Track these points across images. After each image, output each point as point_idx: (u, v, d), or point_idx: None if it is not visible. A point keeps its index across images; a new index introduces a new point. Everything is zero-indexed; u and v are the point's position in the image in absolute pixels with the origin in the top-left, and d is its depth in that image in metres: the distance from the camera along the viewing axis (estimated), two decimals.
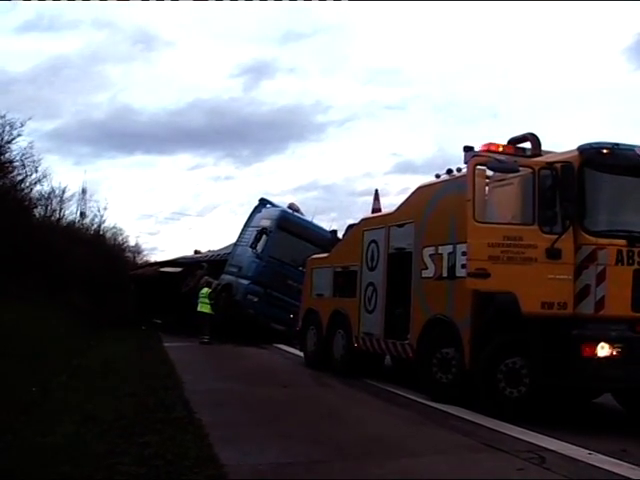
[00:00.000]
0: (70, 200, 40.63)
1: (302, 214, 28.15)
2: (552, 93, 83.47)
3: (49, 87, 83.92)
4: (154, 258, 53.32)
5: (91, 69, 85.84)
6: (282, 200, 28.82)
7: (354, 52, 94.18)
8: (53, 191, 35.99)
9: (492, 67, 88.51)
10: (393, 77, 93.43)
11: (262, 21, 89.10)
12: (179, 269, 31.87)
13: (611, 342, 10.18)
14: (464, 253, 11.29)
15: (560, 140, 12.85)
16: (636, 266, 10.33)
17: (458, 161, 12.17)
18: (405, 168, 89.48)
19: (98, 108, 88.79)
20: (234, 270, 27.51)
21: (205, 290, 25.98)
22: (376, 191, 17.99)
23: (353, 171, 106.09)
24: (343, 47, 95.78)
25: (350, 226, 18.03)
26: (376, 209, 17.41)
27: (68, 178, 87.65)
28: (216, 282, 27.82)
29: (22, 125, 27.72)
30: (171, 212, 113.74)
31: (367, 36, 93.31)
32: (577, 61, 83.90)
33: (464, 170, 11.64)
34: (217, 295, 26.57)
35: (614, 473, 8.00)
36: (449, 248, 12.44)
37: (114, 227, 51.36)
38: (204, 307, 25.46)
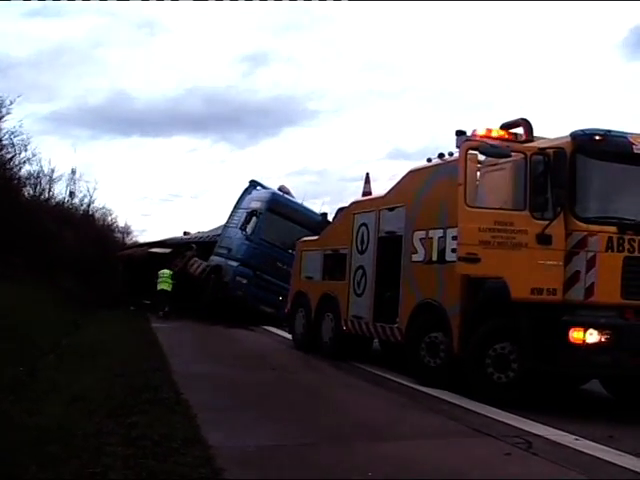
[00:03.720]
0: (60, 180, 40.60)
1: (292, 196, 28.13)
2: (546, 84, 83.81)
3: (50, 71, 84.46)
4: (143, 239, 53.20)
5: (92, 54, 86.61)
6: (275, 183, 28.75)
7: (350, 43, 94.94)
8: (42, 170, 35.96)
9: (486, 59, 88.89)
10: (388, 67, 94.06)
11: (261, 11, 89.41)
12: (168, 250, 31.84)
13: (600, 329, 10.18)
14: (454, 237, 11.29)
15: (553, 129, 12.83)
16: (626, 253, 10.33)
17: (451, 149, 12.24)
18: (397, 155, 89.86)
19: (97, 92, 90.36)
20: (223, 252, 27.50)
21: (167, 272, 28.55)
22: (367, 175, 17.99)
23: (346, 157, 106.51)
24: (339, 38, 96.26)
25: (340, 209, 17.98)
26: (367, 192, 17.38)
27: (65, 160, 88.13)
28: (205, 263, 27.84)
29: (11, 103, 27.63)
30: (165, 194, 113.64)
31: (363, 27, 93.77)
32: (572, 54, 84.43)
33: (456, 154, 11.61)
34: (206, 276, 26.67)
35: (600, 459, 8.01)
36: (439, 232, 12.43)
37: (103, 207, 51.40)
38: (165, 285, 28.39)
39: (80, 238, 34.74)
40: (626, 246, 10.34)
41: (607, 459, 8.00)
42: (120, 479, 6.24)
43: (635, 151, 10.58)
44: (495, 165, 11.60)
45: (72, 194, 45.15)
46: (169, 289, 28.38)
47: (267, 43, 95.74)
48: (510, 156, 10.86)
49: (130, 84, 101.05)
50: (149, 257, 31.91)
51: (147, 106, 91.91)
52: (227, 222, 28.62)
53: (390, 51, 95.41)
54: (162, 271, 28.79)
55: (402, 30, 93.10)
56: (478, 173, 11.81)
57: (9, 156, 29.07)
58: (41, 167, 36.55)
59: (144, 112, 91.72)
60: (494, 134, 11.64)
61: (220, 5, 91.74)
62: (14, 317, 15.40)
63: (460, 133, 11.45)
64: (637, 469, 7.67)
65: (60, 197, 42.65)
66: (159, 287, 28.49)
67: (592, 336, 10.16)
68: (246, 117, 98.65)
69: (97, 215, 49.83)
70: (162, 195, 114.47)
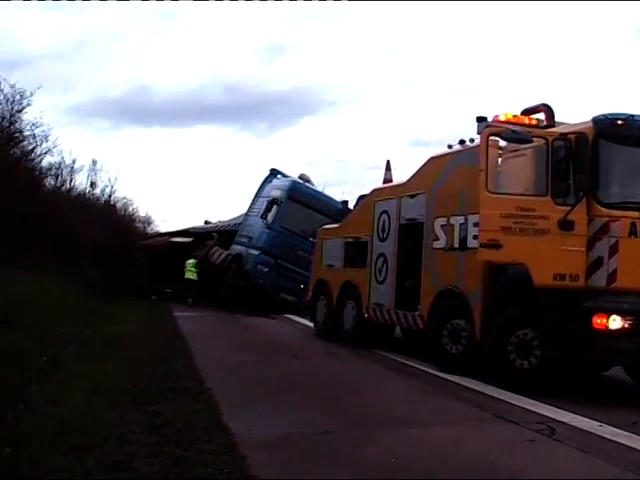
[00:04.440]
0: (81, 171, 40.83)
1: (313, 184, 28.09)
2: (566, 70, 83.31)
3: (72, 63, 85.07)
4: (165, 228, 53.40)
5: (113, 46, 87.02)
6: (296, 172, 28.68)
7: (370, 32, 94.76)
8: (63, 161, 36.16)
9: (506, 46, 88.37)
10: (408, 56, 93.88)
11: (281, 1, 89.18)
12: (189, 239, 31.91)
13: (623, 314, 10.13)
14: (476, 224, 11.26)
15: (574, 115, 12.73)
16: None
17: (472, 137, 12.19)
18: (418, 143, 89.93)
19: (118, 84, 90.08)
20: (244, 240, 27.53)
21: (192, 261, 29.11)
22: (388, 162, 17.91)
23: (367, 145, 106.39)
24: (359, 27, 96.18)
25: (361, 197, 17.95)
26: (387, 180, 17.33)
27: (87, 151, 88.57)
28: (226, 252, 27.90)
29: (32, 95, 27.73)
30: (186, 183, 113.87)
31: (383, 15, 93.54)
32: (591, 40, 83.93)
33: (477, 141, 11.56)
34: (227, 265, 26.74)
35: (624, 445, 7.97)
36: (461, 219, 12.38)
37: (124, 197, 51.62)
38: (190, 274, 28.88)
39: (101, 228, 34.88)
40: None
41: (631, 445, 7.96)
42: (144, 467, 6.27)
43: None
44: (516, 151, 11.53)
45: (93, 184, 45.39)
46: (195, 278, 28.73)
47: (287, 33, 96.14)
48: (531, 142, 10.81)
49: (151, 75, 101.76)
50: (170, 246, 31.98)
51: (168, 97, 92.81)
52: (248, 211, 28.65)
53: (410, 40, 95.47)
54: (188, 261, 29.16)
55: (422, 18, 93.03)
56: (499, 159, 11.76)
57: (30, 147, 29.23)
58: (62, 158, 36.83)
59: (165, 102, 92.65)
60: (515, 120, 11.56)
61: None
62: (37, 307, 15.50)
63: (481, 119, 11.42)
64: None
65: (81, 188, 42.93)
66: (185, 276, 28.91)
67: (615, 322, 10.10)
68: (267, 107, 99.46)
69: (118, 205, 50.08)
70: (183, 184, 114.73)
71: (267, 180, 28.34)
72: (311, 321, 19.10)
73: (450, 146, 13.27)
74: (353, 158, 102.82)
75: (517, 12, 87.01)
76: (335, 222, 19.35)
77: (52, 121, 53.16)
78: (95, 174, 45.40)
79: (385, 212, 15.22)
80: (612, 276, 10.18)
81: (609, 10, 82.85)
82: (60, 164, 36.36)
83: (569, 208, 10.33)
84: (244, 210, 29.48)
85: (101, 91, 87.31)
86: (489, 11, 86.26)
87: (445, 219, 12.89)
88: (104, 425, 7.51)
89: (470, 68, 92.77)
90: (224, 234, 30.22)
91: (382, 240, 15.25)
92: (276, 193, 26.58)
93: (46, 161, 32.49)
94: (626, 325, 10.13)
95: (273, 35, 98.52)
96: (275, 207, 26.01)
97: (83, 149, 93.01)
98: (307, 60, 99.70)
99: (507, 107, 11.98)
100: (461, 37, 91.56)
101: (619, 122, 10.46)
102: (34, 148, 29.45)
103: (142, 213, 61.73)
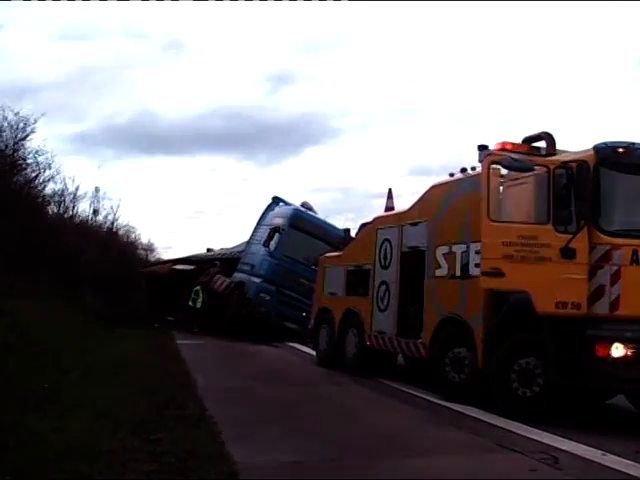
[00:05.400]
0: (84, 198, 40.97)
1: (315, 212, 28.12)
2: (568, 100, 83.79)
3: (77, 93, 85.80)
4: (168, 256, 53.44)
5: (118, 75, 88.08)
6: (298, 200, 28.76)
7: (373, 60, 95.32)
8: (66, 188, 36.30)
9: (509, 75, 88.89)
10: (410, 84, 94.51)
11: (284, 30, 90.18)
12: (192, 267, 31.90)
13: (626, 342, 10.10)
14: (478, 252, 11.26)
15: (575, 143, 12.79)
16: None
17: (473, 166, 12.24)
18: (420, 171, 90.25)
19: (123, 112, 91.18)
20: (247, 268, 27.52)
21: (195, 288, 28.68)
22: (389, 190, 17.99)
23: (369, 174, 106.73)
24: (363, 56, 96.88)
25: (363, 225, 17.97)
26: (389, 207, 17.38)
27: (90, 178, 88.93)
28: (228, 280, 27.90)
29: (35, 122, 27.87)
30: (189, 211, 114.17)
31: (386, 44, 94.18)
32: (594, 71, 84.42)
33: (478, 169, 11.60)
34: (230, 293, 26.73)
35: (628, 474, 7.94)
36: (463, 247, 12.39)
37: (127, 225, 51.74)
38: (191, 301, 28.66)
39: (104, 255, 34.93)
40: None
41: (635, 474, 7.93)
42: None
43: None
44: (518, 179, 11.56)
45: (96, 212, 45.48)
46: (193, 305, 28.59)
47: (291, 62, 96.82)
48: (533, 170, 10.84)
49: (155, 104, 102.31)
50: (172, 274, 31.98)
51: (172, 125, 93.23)
52: (250, 238, 28.67)
53: (413, 68, 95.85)
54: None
55: (426, 47, 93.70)
56: (501, 187, 11.79)
57: (34, 174, 29.35)
58: (65, 185, 36.94)
59: (169, 131, 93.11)
60: (516, 148, 11.61)
61: (244, 25, 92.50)
62: (39, 334, 15.49)
63: (482, 147, 11.43)
64: None
65: (84, 215, 43.04)
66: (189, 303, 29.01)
67: (618, 350, 10.07)
68: (270, 135, 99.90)
69: (121, 232, 50.17)
70: (186, 212, 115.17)
71: (269, 208, 28.39)
72: (313, 349, 19.06)
73: (452, 174, 13.32)
74: (355, 186, 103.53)
75: (520, 41, 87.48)
76: (337, 250, 19.35)
77: (56, 149, 53.95)
78: (98, 201, 45.55)
79: (387, 240, 15.24)
80: (615, 304, 10.17)
81: (613, 37, 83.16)
82: (63, 191, 36.50)
83: (571, 236, 10.35)
84: (246, 238, 29.51)
85: (105, 119, 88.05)
86: (491, 38, 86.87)
87: (447, 247, 12.91)
88: (105, 453, 7.48)
89: (472, 97, 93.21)
90: (226, 262, 30.25)
91: (384, 268, 15.25)
92: (278, 221, 26.61)
93: (49, 188, 32.63)
94: (629, 353, 10.10)
95: (277, 64, 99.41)
96: (277, 235, 26.02)
97: (86, 176, 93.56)
98: (310, 89, 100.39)
99: (509, 135, 12.01)
100: (463, 66, 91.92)
101: (620, 150, 10.50)
102: (37, 175, 29.58)
103: (145, 240, 61.86)
